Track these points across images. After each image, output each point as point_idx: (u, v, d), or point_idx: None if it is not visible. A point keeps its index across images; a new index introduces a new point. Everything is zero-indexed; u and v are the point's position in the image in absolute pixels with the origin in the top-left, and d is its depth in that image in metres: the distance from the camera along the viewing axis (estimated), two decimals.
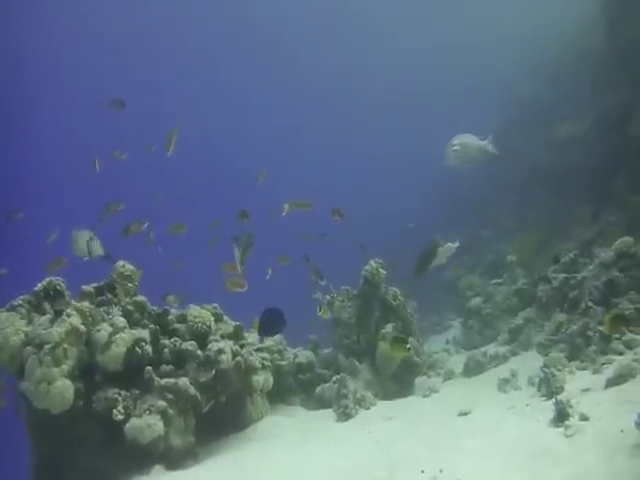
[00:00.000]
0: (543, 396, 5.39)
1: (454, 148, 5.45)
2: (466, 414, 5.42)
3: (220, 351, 5.80)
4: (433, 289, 12.90)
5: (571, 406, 4.35)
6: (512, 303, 9.11)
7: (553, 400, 4.50)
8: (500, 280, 9.98)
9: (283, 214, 6.67)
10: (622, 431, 3.71)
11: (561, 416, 4.31)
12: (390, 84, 34.24)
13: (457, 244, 5.80)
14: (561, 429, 4.16)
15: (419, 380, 7.68)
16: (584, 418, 4.18)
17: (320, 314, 6.75)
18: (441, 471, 3.82)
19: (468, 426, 4.91)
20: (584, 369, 5.77)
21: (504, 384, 6.30)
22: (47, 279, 5.90)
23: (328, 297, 7.69)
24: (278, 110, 37.53)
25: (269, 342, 7.01)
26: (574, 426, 4.09)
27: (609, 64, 11.04)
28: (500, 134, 16.24)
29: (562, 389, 5.22)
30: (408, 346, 5.32)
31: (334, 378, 6.65)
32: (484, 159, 5.53)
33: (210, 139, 34.62)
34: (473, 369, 7.57)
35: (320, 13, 36.39)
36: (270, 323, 5.05)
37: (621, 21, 10.96)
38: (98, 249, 5.79)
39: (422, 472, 3.90)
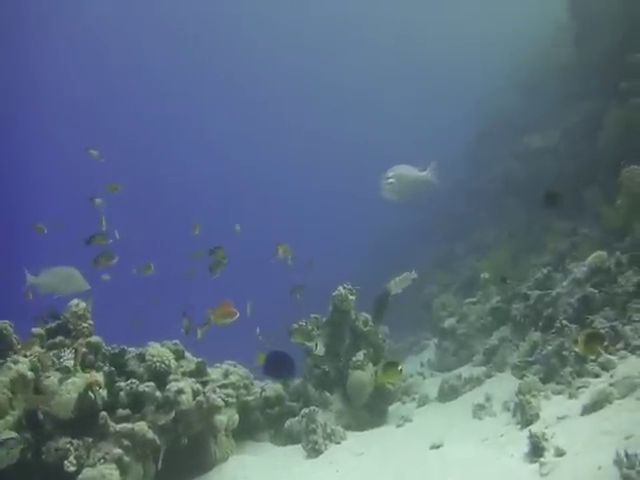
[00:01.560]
0: (518, 424, 5.16)
1: (389, 181, 5.19)
2: (438, 447, 5.18)
3: (180, 391, 5.48)
4: (410, 308, 12.70)
5: (546, 439, 4.13)
6: (487, 322, 8.89)
7: (527, 433, 4.26)
8: (474, 299, 9.76)
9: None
10: (600, 468, 3.48)
11: (536, 451, 4.09)
12: (361, 108, 34.51)
13: (414, 275, 5.63)
14: (536, 466, 3.93)
15: (393, 407, 7.43)
16: (560, 453, 3.94)
17: (317, 352, 6.52)
18: None
19: (440, 463, 4.66)
20: (559, 393, 5.51)
21: (479, 410, 6.07)
22: None
23: (296, 325, 7.41)
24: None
25: (235, 377, 6.72)
26: (550, 463, 3.86)
27: (580, 75, 11.03)
28: (474, 148, 16.41)
29: (537, 417, 4.99)
30: (400, 368, 5.02)
31: (302, 412, 6.37)
32: (423, 191, 5.28)
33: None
34: (447, 394, 7.31)
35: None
36: (277, 365, 4.96)
37: (590, 32, 10.95)
38: (83, 284, 5.54)
39: None
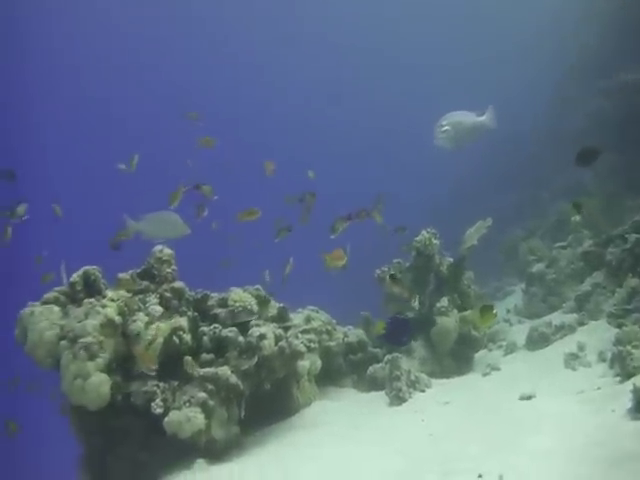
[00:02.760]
0: (617, 376, 4.82)
1: (444, 128, 4.92)
2: (529, 398, 4.94)
3: (262, 336, 5.48)
4: (493, 253, 12.30)
5: None
6: (578, 267, 8.41)
7: (631, 387, 3.96)
8: (564, 243, 9.28)
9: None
10: None
11: None
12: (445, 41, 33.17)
13: (489, 222, 5.41)
14: None
15: (479, 354, 7.23)
16: None
17: (413, 305, 6.47)
18: (500, 478, 3.36)
19: (531, 415, 4.44)
20: None
21: (571, 360, 5.74)
22: (82, 268, 5.67)
23: (379, 271, 7.26)
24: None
25: (317, 323, 6.68)
26: None
27: None
28: (560, 83, 15.44)
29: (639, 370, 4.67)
30: (495, 311, 4.84)
31: (386, 358, 6.27)
32: (480, 137, 4.98)
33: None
34: (537, 341, 7.00)
35: None
36: (398, 333, 5.25)
37: None
38: (185, 228, 5.53)
39: (479, 477, 3.46)
